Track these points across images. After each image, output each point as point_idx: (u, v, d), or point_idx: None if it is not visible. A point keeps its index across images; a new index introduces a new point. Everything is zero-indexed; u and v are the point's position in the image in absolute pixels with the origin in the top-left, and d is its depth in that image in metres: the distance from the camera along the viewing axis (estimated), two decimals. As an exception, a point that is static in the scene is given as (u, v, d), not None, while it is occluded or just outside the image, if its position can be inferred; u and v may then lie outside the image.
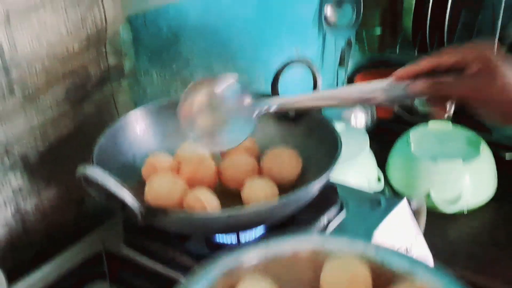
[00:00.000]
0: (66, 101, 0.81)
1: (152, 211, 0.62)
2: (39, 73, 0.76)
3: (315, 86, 0.84)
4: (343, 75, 1.50)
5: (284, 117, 0.86)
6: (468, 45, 0.62)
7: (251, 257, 0.54)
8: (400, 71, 0.64)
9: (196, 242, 0.74)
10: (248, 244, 0.59)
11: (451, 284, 0.51)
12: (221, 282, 0.52)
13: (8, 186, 0.76)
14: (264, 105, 0.71)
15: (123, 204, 0.61)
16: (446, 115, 0.64)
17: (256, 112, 0.71)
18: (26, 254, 0.80)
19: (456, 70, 0.61)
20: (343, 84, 1.53)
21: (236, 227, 0.67)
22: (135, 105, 0.93)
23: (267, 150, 0.81)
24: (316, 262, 0.54)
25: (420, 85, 0.62)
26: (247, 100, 0.71)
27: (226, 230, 0.68)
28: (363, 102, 0.69)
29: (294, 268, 0.55)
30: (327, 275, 0.53)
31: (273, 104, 0.71)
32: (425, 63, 0.63)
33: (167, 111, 0.86)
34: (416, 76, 0.63)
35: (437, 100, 0.63)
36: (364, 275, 0.52)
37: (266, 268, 0.54)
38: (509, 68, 0.59)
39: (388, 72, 1.59)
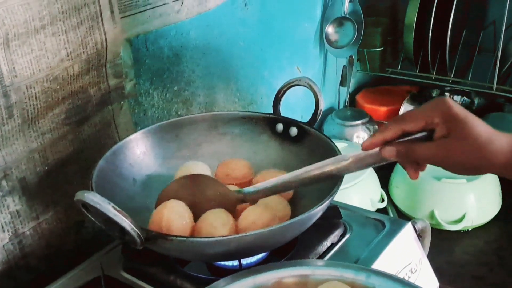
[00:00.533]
0: (66, 123, 0.81)
1: (151, 237, 0.61)
2: (39, 96, 0.75)
3: (317, 107, 0.83)
4: (345, 94, 1.49)
5: (286, 138, 0.85)
6: (429, 105, 0.60)
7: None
8: (367, 141, 0.63)
9: (197, 267, 0.73)
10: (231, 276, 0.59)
11: None
12: None
13: (6, 210, 0.75)
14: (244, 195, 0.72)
15: (122, 230, 0.60)
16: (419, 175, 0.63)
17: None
18: (24, 278, 0.79)
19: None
20: (345, 103, 1.52)
21: (237, 253, 0.65)
22: (136, 126, 0.93)
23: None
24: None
25: (390, 151, 0.61)
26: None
27: (227, 257, 0.67)
28: (335, 175, 0.67)
29: None
30: None
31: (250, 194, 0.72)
32: (391, 131, 0.61)
33: (168, 133, 0.86)
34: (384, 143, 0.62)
35: (409, 162, 0.63)
36: None
37: None
38: (475, 119, 0.58)
39: (390, 90, 1.59)
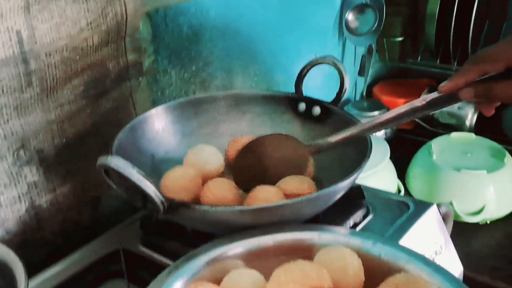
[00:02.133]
0: (84, 96, 0.79)
1: (174, 205, 0.59)
2: (58, 65, 0.74)
3: (341, 86, 0.81)
4: (362, 84, 1.47)
5: (308, 118, 0.83)
6: (509, 43, 0.59)
7: (235, 247, 0.57)
8: (446, 85, 0.62)
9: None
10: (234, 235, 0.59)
11: (447, 278, 0.51)
12: (206, 273, 0.54)
13: (23, 181, 0.74)
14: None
15: (144, 197, 0.58)
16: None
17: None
18: (40, 250, 0.78)
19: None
20: (362, 93, 1.50)
21: (260, 224, 0.63)
22: (153, 104, 0.91)
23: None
24: (302, 254, 0.54)
25: (468, 92, 0.61)
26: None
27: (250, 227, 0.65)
28: (412, 116, 0.67)
29: (278, 258, 0.55)
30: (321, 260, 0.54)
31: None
32: (471, 73, 0.60)
33: (187, 110, 0.85)
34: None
35: (484, 102, 0.63)
36: (355, 264, 0.53)
37: (251, 260, 0.56)
38: None
39: (408, 83, 1.57)
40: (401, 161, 1.26)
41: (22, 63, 0.69)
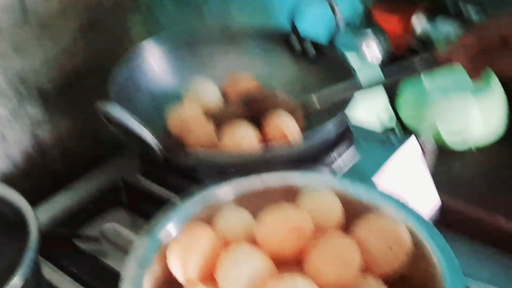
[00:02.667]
0: (80, 31, 0.81)
1: (171, 150, 0.63)
2: (53, 1, 0.75)
3: (336, 27, 0.82)
4: (358, 5, 1.47)
5: (302, 56, 0.85)
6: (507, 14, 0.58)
7: (227, 191, 0.60)
8: (446, 55, 0.62)
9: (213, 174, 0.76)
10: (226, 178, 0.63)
11: (418, 219, 0.56)
12: (200, 215, 0.58)
13: (26, 116, 0.77)
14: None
15: (143, 143, 0.62)
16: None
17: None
18: (45, 181, 0.83)
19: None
20: (358, 15, 1.50)
21: (255, 167, 0.68)
22: (149, 37, 0.92)
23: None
24: (289, 196, 0.59)
25: (467, 62, 0.60)
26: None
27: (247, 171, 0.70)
28: (403, 76, 0.69)
29: (267, 201, 0.59)
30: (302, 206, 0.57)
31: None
32: (472, 47, 0.59)
33: (183, 44, 0.87)
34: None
35: (478, 68, 0.61)
36: (336, 206, 0.56)
37: (241, 202, 0.60)
38: None
39: (406, 7, 1.55)
40: (394, 87, 1.29)
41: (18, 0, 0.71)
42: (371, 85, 0.72)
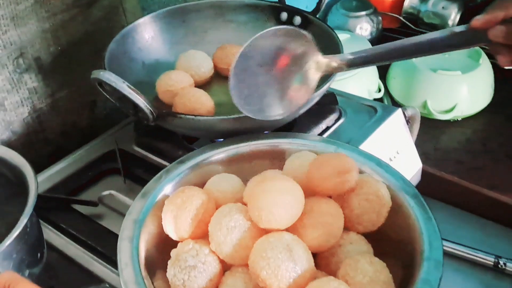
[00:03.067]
0: (75, 5, 0.84)
1: (162, 115, 0.67)
2: (50, -25, 0.78)
3: (320, -4, 0.85)
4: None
5: (286, 25, 0.88)
6: None
7: (217, 154, 0.64)
8: (482, 18, 0.54)
9: (203, 144, 0.79)
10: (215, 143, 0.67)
11: (396, 176, 0.60)
12: (192, 177, 0.62)
13: (24, 87, 0.80)
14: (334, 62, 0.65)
15: (135, 107, 0.65)
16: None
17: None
18: (44, 150, 0.86)
19: None
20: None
21: (239, 131, 0.71)
22: (143, 11, 0.95)
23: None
24: (275, 159, 0.63)
25: (500, 31, 0.53)
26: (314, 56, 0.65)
27: (229, 134, 0.73)
28: (437, 51, 0.61)
29: (255, 163, 0.64)
30: (289, 165, 0.61)
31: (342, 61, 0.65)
32: (503, 11, 0.53)
33: (175, 18, 0.89)
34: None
35: (506, 47, 0.55)
36: None
37: (231, 165, 0.64)
38: None
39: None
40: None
41: (15, -25, 0.73)
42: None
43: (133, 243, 0.54)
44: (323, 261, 0.56)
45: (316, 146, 0.65)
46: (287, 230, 0.53)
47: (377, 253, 0.54)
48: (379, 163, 0.62)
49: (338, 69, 0.66)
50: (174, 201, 0.56)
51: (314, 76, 0.65)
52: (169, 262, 0.53)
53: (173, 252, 0.54)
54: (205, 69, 0.85)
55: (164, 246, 0.56)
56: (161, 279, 0.54)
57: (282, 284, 0.49)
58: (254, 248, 0.51)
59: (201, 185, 0.61)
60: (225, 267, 0.54)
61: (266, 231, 0.53)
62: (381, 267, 0.52)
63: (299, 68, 0.64)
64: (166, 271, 0.53)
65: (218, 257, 0.53)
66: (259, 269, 0.49)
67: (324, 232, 0.53)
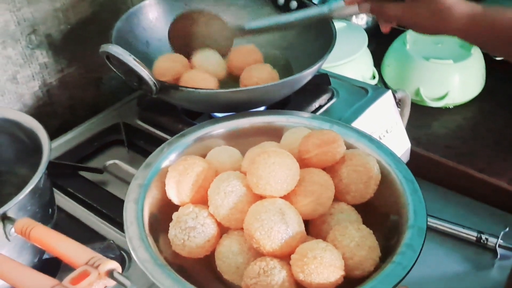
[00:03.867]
0: (86, -14, 0.88)
1: (165, 87, 0.71)
2: (61, -42, 0.83)
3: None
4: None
5: (286, 11, 0.93)
6: None
7: (217, 129, 0.69)
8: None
9: (202, 119, 0.84)
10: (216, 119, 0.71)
11: (385, 152, 0.64)
12: (193, 149, 0.66)
13: (36, 62, 0.85)
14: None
15: (140, 79, 0.70)
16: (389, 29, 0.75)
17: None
18: (52, 123, 0.91)
19: None
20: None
21: (237, 105, 0.76)
22: (148, -7, 1.00)
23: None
24: (271, 133, 0.68)
25: (365, 8, 0.73)
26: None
27: (228, 108, 0.77)
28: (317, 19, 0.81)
29: (254, 138, 0.67)
30: (286, 139, 0.66)
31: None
32: None
33: (178, 1, 0.94)
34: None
35: (381, 19, 0.74)
36: None
37: (230, 137, 0.68)
38: None
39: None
40: (379, 50, 1.36)
41: (29, -44, 0.78)
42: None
43: (138, 205, 0.59)
44: (315, 228, 0.60)
45: (312, 124, 0.69)
46: (280, 197, 0.57)
47: (366, 223, 0.58)
48: (370, 139, 0.66)
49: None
50: (176, 168, 0.60)
51: None
52: (170, 223, 0.58)
53: (175, 215, 0.58)
54: (220, 69, 0.87)
55: (167, 210, 0.60)
56: (162, 239, 0.59)
57: (274, 244, 0.53)
58: (250, 211, 0.55)
59: (202, 156, 0.64)
60: (222, 230, 0.59)
61: (261, 197, 0.57)
62: (368, 233, 0.56)
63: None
64: (167, 233, 0.58)
65: (216, 220, 0.58)
66: (253, 230, 0.54)
67: (312, 200, 0.58)
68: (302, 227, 0.56)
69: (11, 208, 0.52)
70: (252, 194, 0.58)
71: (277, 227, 0.53)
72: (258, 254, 0.55)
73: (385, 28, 0.74)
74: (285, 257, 0.54)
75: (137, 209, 0.58)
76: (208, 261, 0.58)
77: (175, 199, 0.60)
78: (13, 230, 0.51)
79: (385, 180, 0.62)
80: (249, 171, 0.57)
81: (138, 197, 0.60)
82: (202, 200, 0.60)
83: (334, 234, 0.56)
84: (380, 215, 0.61)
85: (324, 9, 0.79)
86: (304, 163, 0.60)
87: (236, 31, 0.86)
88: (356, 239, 0.55)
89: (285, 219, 0.54)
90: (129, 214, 0.58)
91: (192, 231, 0.56)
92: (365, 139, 0.67)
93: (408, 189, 0.60)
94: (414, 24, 0.69)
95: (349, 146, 0.64)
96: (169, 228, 0.58)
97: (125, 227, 0.56)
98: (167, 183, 0.60)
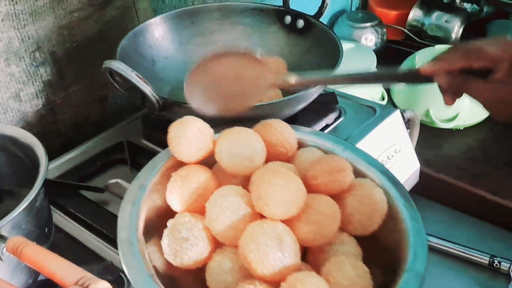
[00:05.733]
0: (91, 4, 0.88)
1: (168, 104, 0.70)
2: (67, -25, 0.82)
3: (323, 2, 0.89)
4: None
5: (293, 30, 0.92)
6: (497, 43, 0.57)
7: None
8: (428, 67, 0.60)
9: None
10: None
11: (398, 188, 0.61)
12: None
13: (39, 79, 0.84)
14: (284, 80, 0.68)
15: (143, 96, 0.69)
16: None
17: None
18: (56, 141, 0.90)
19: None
20: (357, 5, 1.56)
21: (244, 121, 0.74)
22: (154, 13, 0.99)
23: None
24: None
25: (445, 80, 0.58)
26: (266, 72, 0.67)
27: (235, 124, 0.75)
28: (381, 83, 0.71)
29: None
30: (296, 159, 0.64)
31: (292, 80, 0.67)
32: (454, 62, 0.58)
33: (184, 19, 0.93)
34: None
35: (455, 93, 0.60)
36: None
37: None
38: None
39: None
40: (388, 71, 1.35)
41: (34, -27, 0.78)
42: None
43: (134, 207, 0.57)
44: (312, 254, 0.58)
45: (325, 144, 0.67)
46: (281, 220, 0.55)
47: (365, 255, 0.56)
48: (383, 170, 0.63)
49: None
50: (179, 173, 0.59)
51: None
52: (164, 230, 0.56)
53: (170, 222, 0.56)
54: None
55: (164, 215, 0.58)
56: (154, 245, 0.56)
57: (266, 270, 0.51)
58: (247, 230, 0.53)
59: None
60: (217, 245, 0.57)
61: (260, 217, 0.55)
62: (364, 272, 0.53)
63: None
64: (161, 239, 0.55)
65: (211, 234, 0.55)
66: (247, 250, 0.51)
67: (315, 230, 0.55)
68: (298, 257, 0.53)
69: (4, 225, 0.51)
70: (251, 213, 0.55)
71: (272, 253, 0.51)
72: (248, 275, 0.53)
73: (451, 102, 0.61)
74: (274, 283, 0.51)
75: (132, 210, 0.56)
76: (200, 272, 0.56)
77: (173, 204, 0.58)
78: (5, 249, 0.50)
79: (391, 215, 0.59)
80: (251, 188, 0.56)
81: (135, 199, 0.58)
82: (200, 210, 0.57)
83: (329, 269, 0.53)
84: (381, 250, 0.59)
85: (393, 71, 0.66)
86: (311, 189, 0.58)
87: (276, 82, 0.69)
88: (351, 278, 0.52)
89: (282, 246, 0.51)
90: (123, 215, 0.56)
91: (185, 242, 0.54)
92: (377, 168, 0.64)
93: (413, 229, 0.57)
94: (498, 109, 0.58)
95: (359, 174, 0.62)
96: (163, 235, 0.56)
97: (117, 229, 0.54)
98: (168, 187, 0.59)
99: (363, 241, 0.58)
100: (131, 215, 0.56)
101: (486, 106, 0.58)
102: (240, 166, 0.59)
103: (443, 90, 0.60)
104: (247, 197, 0.56)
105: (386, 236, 0.59)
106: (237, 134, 0.61)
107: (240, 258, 0.53)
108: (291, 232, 0.54)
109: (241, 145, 0.59)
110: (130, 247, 0.52)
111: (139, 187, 0.59)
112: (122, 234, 0.54)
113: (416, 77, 0.62)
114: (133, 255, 0.52)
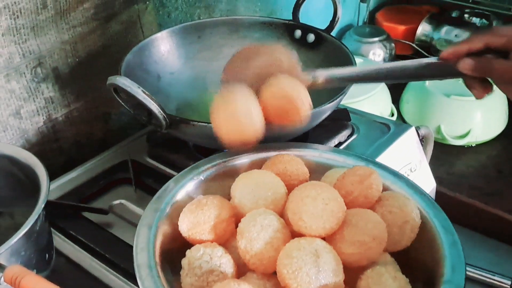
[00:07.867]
0: (94, 19, 0.85)
1: (175, 121, 0.67)
2: (70, -11, 0.80)
3: (335, 14, 0.86)
4: (364, 10, 1.51)
5: (303, 44, 0.89)
6: None
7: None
8: (450, 50, 0.59)
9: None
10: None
11: (428, 201, 0.58)
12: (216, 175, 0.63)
13: (41, 96, 0.81)
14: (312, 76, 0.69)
15: (149, 113, 0.66)
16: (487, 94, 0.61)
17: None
18: (57, 160, 0.87)
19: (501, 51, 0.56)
20: (364, 20, 1.54)
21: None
22: (160, 27, 0.97)
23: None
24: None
25: (468, 64, 0.57)
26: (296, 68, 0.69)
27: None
28: (407, 79, 0.69)
29: None
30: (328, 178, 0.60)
31: (320, 76, 0.68)
32: (477, 42, 0.57)
33: (191, 34, 0.91)
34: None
35: (478, 80, 0.59)
36: None
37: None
38: None
39: (411, 9, 1.59)
40: (396, 86, 1.33)
41: (37, -14, 0.75)
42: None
43: (151, 231, 0.54)
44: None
45: (346, 161, 0.63)
46: (326, 237, 0.52)
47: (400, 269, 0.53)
48: (408, 182, 0.60)
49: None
50: (193, 203, 0.56)
51: None
52: (181, 272, 0.52)
53: (184, 261, 0.52)
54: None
55: (182, 240, 0.55)
56: (172, 270, 0.53)
57: (299, 287, 0.47)
58: (284, 247, 0.50)
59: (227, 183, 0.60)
60: (239, 272, 0.53)
61: (300, 235, 0.52)
62: (405, 283, 0.50)
63: None
64: (177, 264, 0.52)
65: (232, 258, 0.52)
66: (281, 266, 0.48)
67: (360, 252, 0.51)
68: (339, 277, 0.49)
69: (2, 253, 0.47)
70: (290, 231, 0.52)
71: (306, 268, 0.47)
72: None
73: (482, 94, 0.60)
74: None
75: (149, 235, 0.53)
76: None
77: (184, 231, 0.55)
78: (3, 279, 0.46)
79: (423, 229, 0.55)
80: (286, 206, 0.53)
81: (152, 222, 0.54)
82: (217, 239, 0.54)
83: (367, 283, 0.50)
84: (414, 263, 0.55)
85: (408, 63, 0.64)
86: (349, 206, 0.54)
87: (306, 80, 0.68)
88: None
89: (319, 262, 0.48)
90: (140, 240, 0.52)
91: (210, 276, 0.50)
92: (402, 182, 0.60)
93: (447, 241, 0.53)
94: None
95: (385, 189, 0.58)
96: (181, 277, 0.51)
97: (134, 253, 0.51)
98: (181, 215, 0.55)
99: (396, 255, 0.55)
100: (148, 239, 0.52)
101: (507, 90, 0.58)
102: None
103: (469, 84, 0.60)
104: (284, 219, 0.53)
105: (420, 250, 0.55)
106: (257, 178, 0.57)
107: (278, 276, 0.49)
108: (331, 250, 0.50)
109: (263, 190, 0.56)
110: (149, 271, 0.49)
111: (154, 210, 0.55)
112: (139, 258, 0.50)
113: (434, 68, 0.61)
114: (152, 279, 0.48)
